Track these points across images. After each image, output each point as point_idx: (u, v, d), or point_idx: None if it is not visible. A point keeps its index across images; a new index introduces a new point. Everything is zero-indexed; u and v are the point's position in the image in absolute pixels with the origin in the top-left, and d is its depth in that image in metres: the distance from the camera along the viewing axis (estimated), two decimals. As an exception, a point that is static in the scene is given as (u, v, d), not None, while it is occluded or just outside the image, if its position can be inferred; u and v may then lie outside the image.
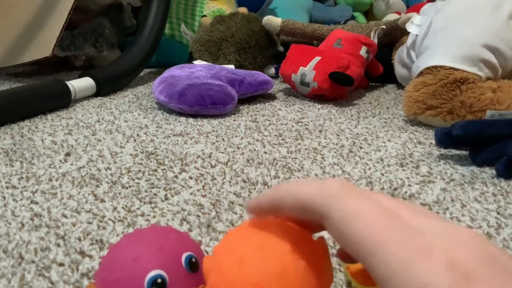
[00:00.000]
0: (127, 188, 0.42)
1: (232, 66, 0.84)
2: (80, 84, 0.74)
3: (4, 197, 0.40)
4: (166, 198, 0.41)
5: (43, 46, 0.82)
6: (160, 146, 0.54)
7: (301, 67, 0.77)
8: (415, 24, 0.75)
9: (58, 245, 0.33)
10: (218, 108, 0.66)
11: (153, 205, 0.39)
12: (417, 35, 0.74)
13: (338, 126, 0.64)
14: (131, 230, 0.35)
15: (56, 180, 0.44)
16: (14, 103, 0.63)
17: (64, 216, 0.37)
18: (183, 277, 0.22)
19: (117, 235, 0.34)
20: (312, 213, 0.19)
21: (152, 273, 0.21)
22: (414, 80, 0.65)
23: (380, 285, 0.16)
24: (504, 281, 0.16)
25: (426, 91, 0.62)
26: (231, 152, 0.53)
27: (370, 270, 0.16)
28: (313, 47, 0.83)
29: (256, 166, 0.49)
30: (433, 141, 0.58)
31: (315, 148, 0.55)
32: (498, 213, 0.40)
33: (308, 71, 0.76)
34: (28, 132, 0.58)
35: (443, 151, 0.55)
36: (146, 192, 0.42)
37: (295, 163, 0.50)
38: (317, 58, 0.76)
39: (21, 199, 0.40)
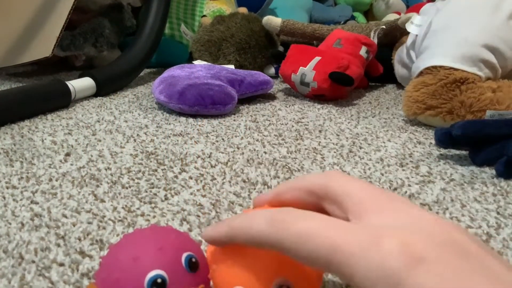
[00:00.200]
0: (127, 188, 0.42)
1: (232, 66, 0.84)
2: (80, 84, 0.74)
3: (4, 197, 0.40)
4: (166, 198, 0.41)
5: (43, 46, 0.82)
6: (160, 146, 0.54)
7: (301, 67, 0.77)
8: (415, 24, 0.75)
9: (58, 245, 0.33)
10: (218, 108, 0.66)
11: (153, 205, 0.39)
12: (417, 35, 0.74)
13: (338, 126, 0.64)
14: (131, 230, 0.35)
15: (56, 180, 0.44)
16: (14, 103, 0.63)
17: (64, 216, 0.37)
18: (183, 277, 0.22)
19: (117, 235, 0.34)
20: (271, 247, 0.20)
21: (152, 273, 0.22)
22: (414, 80, 0.65)
23: (351, 284, 0.17)
24: (457, 265, 0.16)
25: (426, 91, 0.62)
26: (231, 152, 0.53)
27: (338, 274, 0.18)
28: (313, 47, 0.83)
29: (256, 166, 0.49)
30: (433, 141, 0.58)
31: (315, 148, 0.55)
32: (498, 213, 0.40)
33: (308, 71, 0.76)
34: (28, 132, 0.58)
35: (443, 151, 0.55)
36: (146, 192, 0.42)
37: (295, 163, 0.50)
38: (317, 58, 0.76)
39: (21, 199, 0.40)
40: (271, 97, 0.81)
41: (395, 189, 0.44)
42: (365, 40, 0.81)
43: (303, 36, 0.99)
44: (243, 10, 1.04)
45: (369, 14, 1.63)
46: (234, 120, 0.66)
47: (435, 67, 0.63)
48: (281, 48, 1.04)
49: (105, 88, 0.79)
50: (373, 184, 0.22)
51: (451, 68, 0.62)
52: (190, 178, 0.45)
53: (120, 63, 0.85)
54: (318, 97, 0.79)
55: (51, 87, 0.69)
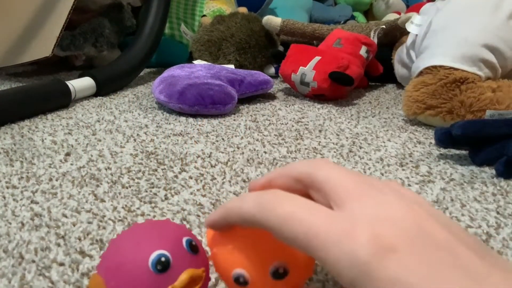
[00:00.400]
0: (127, 188, 0.42)
1: (232, 66, 0.84)
2: (80, 84, 0.74)
3: (4, 197, 0.40)
4: (166, 198, 0.41)
5: (43, 46, 0.82)
6: (160, 146, 0.54)
7: (301, 67, 0.77)
8: (415, 24, 0.75)
9: (59, 244, 0.33)
10: (218, 107, 0.66)
11: (153, 204, 0.39)
12: (416, 35, 0.74)
13: (338, 126, 0.64)
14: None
15: (56, 180, 0.44)
16: (14, 103, 0.63)
17: (64, 216, 0.37)
18: (186, 257, 0.23)
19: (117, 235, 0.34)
20: (258, 227, 0.21)
21: (156, 253, 0.22)
22: (413, 79, 0.65)
23: (325, 268, 0.19)
24: (426, 256, 0.17)
25: (425, 91, 0.62)
26: (231, 151, 0.53)
27: (313, 257, 0.19)
28: (313, 47, 0.83)
29: (256, 165, 0.49)
30: (433, 141, 0.58)
31: (315, 148, 0.55)
32: (498, 212, 0.40)
33: (308, 70, 0.76)
34: (28, 132, 0.58)
35: (442, 150, 0.55)
36: (146, 192, 0.42)
37: (295, 163, 0.50)
38: (317, 58, 0.76)
39: (21, 199, 0.40)
40: (271, 97, 0.81)
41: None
42: (365, 40, 0.81)
43: (303, 36, 0.99)
44: (243, 10, 1.04)
45: (369, 13, 1.63)
46: (234, 120, 0.66)
47: (435, 66, 0.63)
48: (281, 48, 1.04)
49: (105, 88, 0.79)
50: (357, 172, 0.23)
51: (451, 67, 0.62)
52: (190, 177, 0.45)
53: (120, 63, 0.85)
54: (318, 97, 0.79)
55: (51, 87, 0.69)
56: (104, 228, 0.35)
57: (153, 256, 0.22)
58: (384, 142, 0.58)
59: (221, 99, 0.66)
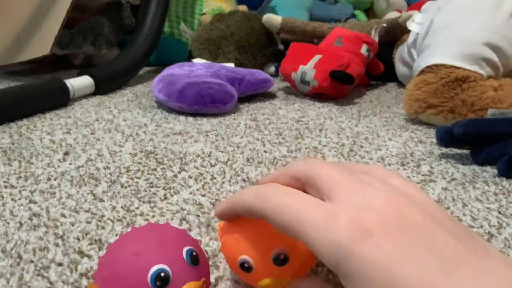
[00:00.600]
0: (126, 187, 0.42)
1: (232, 65, 0.84)
2: (79, 82, 0.74)
3: (2, 197, 0.40)
4: (166, 198, 0.40)
5: (42, 45, 0.81)
6: (160, 145, 0.54)
7: (301, 66, 0.77)
8: (416, 22, 0.75)
9: (57, 244, 0.32)
10: (218, 106, 0.66)
11: (152, 204, 0.39)
12: (418, 33, 0.74)
13: (338, 125, 0.64)
14: (130, 229, 0.35)
15: (55, 180, 0.43)
16: (13, 102, 0.63)
17: (63, 215, 0.37)
18: (186, 270, 0.22)
19: (116, 235, 0.34)
20: (257, 216, 0.23)
21: (155, 268, 0.21)
22: (415, 78, 0.65)
23: (314, 253, 0.20)
24: (402, 239, 0.18)
25: (427, 90, 0.62)
26: (231, 151, 0.53)
27: (305, 243, 0.21)
28: (314, 45, 0.83)
29: (256, 165, 0.49)
30: (434, 140, 0.58)
31: (316, 147, 0.55)
32: (500, 212, 0.40)
33: (309, 69, 0.76)
34: (27, 131, 0.58)
35: (444, 150, 0.55)
36: (145, 191, 0.41)
37: (296, 162, 0.50)
38: (318, 57, 0.76)
39: (19, 199, 0.39)
40: (271, 96, 0.81)
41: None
42: (366, 38, 0.81)
43: (304, 34, 0.99)
44: (243, 8, 1.03)
45: (370, 12, 1.62)
46: (234, 119, 0.66)
47: (436, 65, 0.63)
48: (281, 47, 1.04)
49: (104, 87, 0.79)
50: (348, 166, 0.25)
51: (452, 66, 0.61)
52: (190, 177, 0.45)
53: (119, 61, 0.85)
54: (319, 96, 0.79)
55: (49, 86, 0.69)
56: (103, 228, 0.35)
57: (153, 270, 0.21)
58: (385, 141, 0.57)
59: (221, 98, 0.66)
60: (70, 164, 0.47)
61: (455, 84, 0.60)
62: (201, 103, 0.65)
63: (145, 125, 0.62)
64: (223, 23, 0.97)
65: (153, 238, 0.23)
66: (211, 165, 0.48)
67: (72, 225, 0.35)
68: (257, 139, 0.57)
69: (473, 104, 0.59)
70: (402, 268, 0.17)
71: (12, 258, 0.31)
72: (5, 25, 0.89)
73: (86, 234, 0.34)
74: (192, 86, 0.66)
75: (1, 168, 0.46)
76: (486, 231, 0.36)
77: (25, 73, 0.98)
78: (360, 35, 0.81)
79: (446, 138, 0.49)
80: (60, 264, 0.30)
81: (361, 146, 0.55)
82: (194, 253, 0.23)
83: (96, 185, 0.42)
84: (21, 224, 0.35)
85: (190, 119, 0.65)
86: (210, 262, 0.31)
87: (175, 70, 0.74)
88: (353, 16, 1.43)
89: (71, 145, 0.53)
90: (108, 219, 0.36)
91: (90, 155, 0.50)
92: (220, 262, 0.31)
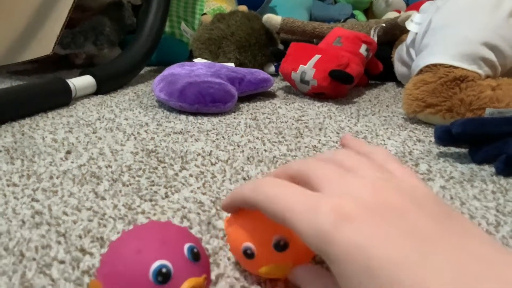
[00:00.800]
0: (127, 186, 0.43)
1: (232, 64, 0.84)
2: (81, 82, 0.74)
3: (5, 195, 0.40)
4: (167, 196, 0.41)
5: (44, 44, 0.82)
6: (161, 144, 0.54)
7: (301, 65, 0.77)
8: (414, 22, 0.75)
9: (59, 242, 0.33)
10: (218, 106, 0.66)
11: (153, 202, 0.39)
12: (416, 33, 0.74)
13: (338, 124, 0.64)
14: (131, 227, 0.35)
15: (57, 178, 0.44)
16: (15, 101, 0.63)
17: (65, 213, 0.37)
18: (187, 267, 0.23)
19: (118, 233, 0.34)
20: (253, 206, 0.25)
21: (157, 264, 0.22)
22: (413, 78, 0.65)
23: (302, 239, 0.21)
24: (383, 224, 0.19)
25: (425, 89, 0.62)
26: (231, 150, 0.53)
27: (292, 229, 0.22)
28: (313, 45, 0.83)
29: (256, 164, 0.49)
30: (433, 139, 0.58)
31: (315, 146, 0.55)
32: (497, 210, 0.40)
33: (308, 69, 0.76)
34: (29, 130, 0.58)
35: (442, 149, 0.55)
36: (147, 189, 0.42)
37: (295, 161, 0.50)
38: (317, 56, 0.76)
39: (22, 197, 0.40)
40: (271, 95, 0.81)
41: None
42: (365, 38, 0.81)
43: (303, 34, 0.99)
44: (243, 8, 1.04)
45: (369, 12, 1.62)
46: (234, 118, 0.66)
47: (435, 65, 0.63)
48: (281, 46, 1.04)
49: (105, 86, 0.79)
50: (339, 159, 0.26)
51: (451, 66, 0.62)
52: (191, 175, 0.45)
53: (120, 61, 0.85)
54: (318, 95, 0.79)
55: (51, 85, 0.69)
56: (104, 226, 0.35)
57: (154, 266, 0.22)
58: (384, 140, 0.58)
59: (221, 97, 0.66)
60: (72, 162, 0.48)
61: (453, 84, 0.60)
62: (201, 103, 0.66)
63: (146, 124, 0.62)
64: (223, 23, 0.97)
65: (155, 236, 0.24)
66: (212, 164, 0.48)
67: (74, 223, 0.36)
68: (257, 138, 0.57)
69: (471, 104, 0.59)
70: (379, 250, 0.18)
71: (14, 255, 0.31)
72: (7, 25, 0.89)
73: (88, 232, 0.34)
74: (193, 85, 0.66)
75: (4, 167, 0.46)
76: (484, 229, 0.37)
77: (28, 72, 0.98)
78: (359, 35, 0.81)
79: (445, 137, 0.50)
80: (62, 262, 0.31)
81: (360, 145, 0.56)
82: (195, 250, 0.24)
83: (98, 184, 0.43)
84: (23, 222, 0.36)
85: (191, 118, 0.65)
86: (211, 260, 0.31)
87: (176, 69, 0.75)
88: (352, 16, 1.43)
89: (73, 144, 0.53)
90: (110, 217, 0.37)
91: (92, 153, 0.50)
92: (220, 260, 0.31)
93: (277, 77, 0.97)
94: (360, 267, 0.18)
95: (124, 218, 0.37)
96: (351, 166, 0.25)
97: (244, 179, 0.45)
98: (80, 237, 0.34)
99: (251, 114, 0.69)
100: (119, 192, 0.41)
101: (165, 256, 0.22)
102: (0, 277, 0.29)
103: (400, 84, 0.91)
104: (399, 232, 0.19)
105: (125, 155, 0.50)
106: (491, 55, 0.61)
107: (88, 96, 0.77)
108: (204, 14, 1.12)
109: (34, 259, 0.31)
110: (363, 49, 0.80)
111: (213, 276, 0.29)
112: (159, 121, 0.63)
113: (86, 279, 0.29)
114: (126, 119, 0.64)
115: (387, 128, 0.63)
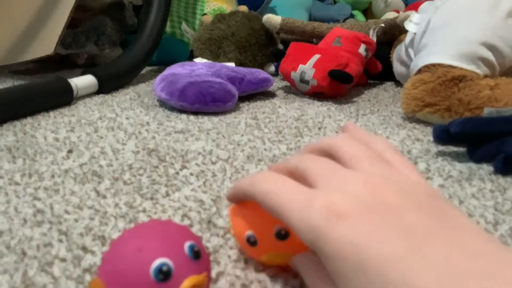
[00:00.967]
0: (128, 184, 0.43)
1: (232, 64, 0.85)
2: (82, 81, 0.75)
3: (7, 194, 0.40)
4: (167, 194, 0.41)
5: (46, 44, 0.82)
6: (162, 143, 0.54)
7: (300, 65, 0.77)
8: (413, 22, 0.75)
9: (61, 241, 0.33)
10: (219, 105, 0.67)
11: (154, 201, 0.40)
12: (415, 33, 0.74)
13: (337, 123, 0.65)
14: (132, 226, 0.35)
15: (59, 177, 0.44)
16: (17, 101, 0.63)
17: (67, 212, 0.37)
18: (188, 264, 0.23)
19: (119, 231, 0.35)
20: (251, 199, 0.26)
21: (157, 261, 0.22)
22: (412, 77, 0.66)
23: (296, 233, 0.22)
24: (373, 217, 0.20)
25: (424, 89, 0.62)
26: (232, 149, 0.53)
27: (287, 224, 0.22)
28: (313, 45, 0.84)
29: (256, 163, 0.49)
30: (431, 138, 0.58)
31: (315, 145, 0.55)
32: (496, 209, 0.40)
33: (308, 69, 0.76)
34: (31, 129, 0.58)
35: (441, 148, 0.55)
36: (148, 188, 0.42)
37: (295, 160, 0.50)
38: (317, 56, 0.77)
39: (23, 196, 0.40)
40: (271, 95, 0.82)
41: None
42: (364, 38, 0.81)
43: (303, 34, 0.99)
44: (244, 8, 1.04)
45: (368, 12, 1.63)
46: (235, 117, 0.66)
47: (433, 64, 0.63)
48: (281, 46, 1.04)
49: (107, 86, 0.79)
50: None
51: (449, 65, 0.62)
52: (191, 174, 0.46)
53: (121, 61, 0.86)
54: (318, 95, 0.79)
55: (53, 85, 0.70)
56: (106, 224, 0.36)
57: (155, 264, 0.22)
58: (383, 140, 0.58)
59: (221, 97, 0.67)
60: (74, 161, 0.48)
61: (452, 83, 0.60)
62: (202, 102, 0.66)
63: (147, 123, 0.62)
64: (224, 23, 0.97)
65: (156, 234, 0.24)
66: (212, 163, 0.49)
67: (76, 222, 0.36)
68: (257, 137, 0.57)
69: (470, 103, 0.59)
70: (372, 246, 0.18)
71: (16, 254, 0.31)
72: (9, 25, 0.89)
73: (90, 230, 0.35)
74: (194, 85, 0.67)
75: (6, 166, 0.47)
76: (483, 228, 0.37)
77: (29, 72, 0.98)
78: (358, 35, 0.82)
79: (443, 136, 0.50)
80: (63, 260, 0.31)
81: (360, 145, 0.56)
82: (195, 248, 0.24)
83: (99, 182, 0.43)
84: (25, 221, 0.36)
85: (192, 117, 0.66)
86: (211, 258, 0.31)
87: (177, 69, 0.75)
88: (352, 16, 1.43)
89: (74, 143, 0.54)
90: (111, 215, 0.37)
91: (93, 152, 0.51)
92: (221, 258, 0.31)
93: (277, 77, 0.97)
94: (353, 264, 0.19)
95: (125, 216, 0.37)
96: (349, 155, 0.25)
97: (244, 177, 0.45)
98: (82, 235, 0.34)
99: (251, 113, 0.69)
100: (120, 190, 0.42)
101: (165, 254, 0.22)
102: (2, 275, 0.29)
103: (399, 83, 0.91)
104: (391, 229, 0.19)
105: (126, 154, 0.51)
106: (489, 55, 0.62)
107: (89, 95, 0.77)
108: (205, 14, 1.13)
109: (35, 257, 0.31)
110: (362, 49, 0.81)
111: (213, 274, 0.29)
112: (160, 121, 0.64)
113: (88, 277, 0.29)
114: (127, 119, 0.64)
115: (386, 127, 0.63)
